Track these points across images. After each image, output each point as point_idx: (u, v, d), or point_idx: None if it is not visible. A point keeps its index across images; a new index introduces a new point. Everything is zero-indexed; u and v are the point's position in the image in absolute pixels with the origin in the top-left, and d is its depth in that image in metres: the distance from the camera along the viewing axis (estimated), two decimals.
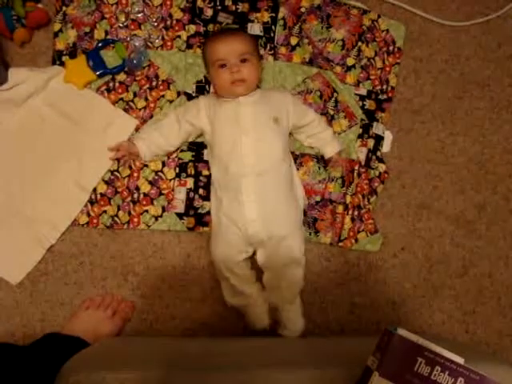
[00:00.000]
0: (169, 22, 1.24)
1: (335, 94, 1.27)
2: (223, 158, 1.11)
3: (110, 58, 1.22)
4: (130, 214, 1.19)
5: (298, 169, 1.22)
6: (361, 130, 1.28)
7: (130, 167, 1.19)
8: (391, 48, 1.32)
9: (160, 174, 1.20)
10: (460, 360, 0.64)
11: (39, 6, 1.21)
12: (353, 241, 1.25)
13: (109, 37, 1.22)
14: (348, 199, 1.24)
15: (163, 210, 1.20)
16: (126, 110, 1.21)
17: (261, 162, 1.09)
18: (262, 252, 1.13)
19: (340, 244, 1.24)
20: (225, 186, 1.12)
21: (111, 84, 1.21)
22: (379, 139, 1.29)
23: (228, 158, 1.10)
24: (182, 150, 1.21)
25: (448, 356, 0.64)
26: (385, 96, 1.30)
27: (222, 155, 1.12)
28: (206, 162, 1.21)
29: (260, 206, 1.08)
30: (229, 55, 1.10)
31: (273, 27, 1.27)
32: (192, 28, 1.25)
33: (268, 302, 1.14)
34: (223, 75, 1.11)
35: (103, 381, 0.73)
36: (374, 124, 1.29)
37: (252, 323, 1.14)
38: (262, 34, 1.26)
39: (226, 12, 1.26)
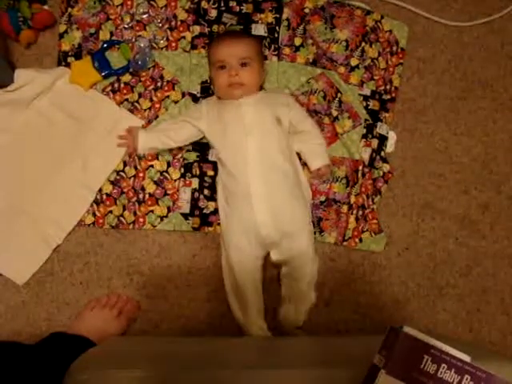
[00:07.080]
0: (173, 23, 1.25)
1: (339, 95, 1.27)
2: (229, 160, 1.11)
3: (115, 58, 1.22)
4: (135, 214, 1.19)
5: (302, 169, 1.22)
6: (365, 130, 1.28)
7: (136, 167, 1.20)
8: (394, 48, 1.32)
9: (165, 174, 1.21)
10: (466, 358, 0.64)
11: (45, 7, 1.22)
12: (357, 240, 1.25)
13: (114, 38, 1.23)
14: (352, 199, 1.25)
15: (168, 210, 1.20)
16: (131, 111, 1.22)
17: (267, 162, 1.09)
18: (275, 252, 1.14)
19: (344, 244, 1.24)
20: (233, 189, 1.11)
21: (116, 85, 1.22)
22: (383, 139, 1.29)
23: (234, 159, 1.10)
24: (187, 151, 1.22)
25: (454, 354, 0.64)
26: (388, 96, 1.31)
27: (227, 157, 1.12)
28: (211, 163, 1.21)
29: (269, 206, 1.07)
30: (229, 57, 1.10)
31: (277, 28, 1.27)
32: (196, 29, 1.25)
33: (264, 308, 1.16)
34: (221, 77, 1.11)
35: (110, 379, 0.74)
36: (378, 124, 1.29)
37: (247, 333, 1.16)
38: (266, 34, 1.27)
39: (230, 13, 1.27)
